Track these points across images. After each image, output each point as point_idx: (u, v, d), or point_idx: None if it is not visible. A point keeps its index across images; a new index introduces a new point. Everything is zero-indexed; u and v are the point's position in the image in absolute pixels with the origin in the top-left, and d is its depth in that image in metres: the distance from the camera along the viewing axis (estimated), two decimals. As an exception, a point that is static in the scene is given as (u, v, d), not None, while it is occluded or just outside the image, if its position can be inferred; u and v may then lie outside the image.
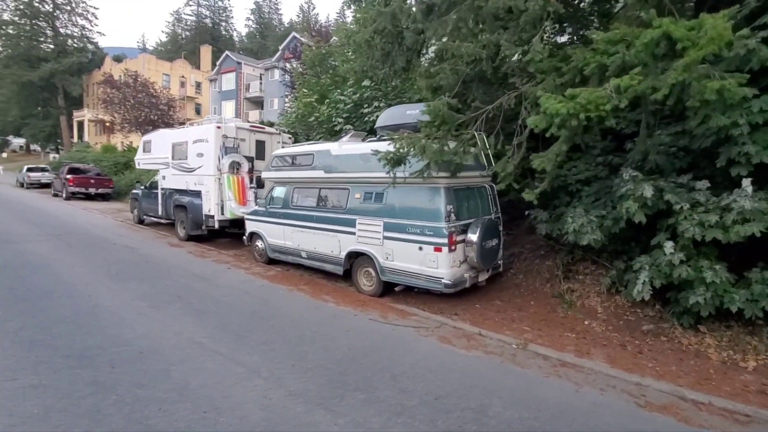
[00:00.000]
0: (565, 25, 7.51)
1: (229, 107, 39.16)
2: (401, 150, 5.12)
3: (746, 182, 3.93)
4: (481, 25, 4.76)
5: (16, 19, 43.42)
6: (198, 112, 44.55)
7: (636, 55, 3.53)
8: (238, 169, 9.54)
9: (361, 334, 4.95)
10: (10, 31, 43.41)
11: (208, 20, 68.08)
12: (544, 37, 7.73)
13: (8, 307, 5.11)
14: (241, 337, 4.68)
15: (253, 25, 71.77)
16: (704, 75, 3.14)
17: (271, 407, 3.27)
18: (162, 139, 11.61)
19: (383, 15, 5.35)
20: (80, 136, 45.33)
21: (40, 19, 44.04)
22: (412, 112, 6.34)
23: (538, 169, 4.49)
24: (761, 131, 3.77)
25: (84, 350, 4.09)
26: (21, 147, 58.99)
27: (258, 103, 38.07)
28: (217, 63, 41.75)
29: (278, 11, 74.32)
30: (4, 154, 53.83)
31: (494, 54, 5.35)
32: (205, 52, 48.92)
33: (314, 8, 56.86)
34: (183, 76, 45.87)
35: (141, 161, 12.84)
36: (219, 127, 9.55)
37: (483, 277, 6.26)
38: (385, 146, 5.57)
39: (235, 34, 72.67)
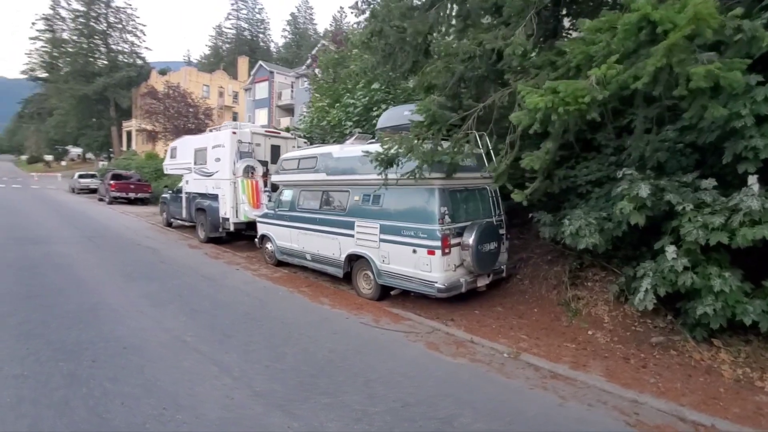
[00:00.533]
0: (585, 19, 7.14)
1: (262, 115, 40.42)
2: (390, 151, 5.03)
3: (752, 179, 3.49)
4: (466, 21, 4.57)
5: (75, 38, 47.30)
6: (235, 120, 46.29)
7: (620, 42, 3.27)
8: (252, 172, 9.76)
9: (347, 337, 4.87)
10: (70, 49, 47.30)
11: (246, 33, 70.96)
12: (561, 32, 7.40)
13: (18, 303, 5.44)
14: (227, 336, 4.73)
15: (289, 36, 73.97)
16: (689, 59, 2.83)
17: (231, 407, 3.25)
18: (186, 145, 12.12)
19: (363, 12, 5.28)
20: (129, 145, 48.35)
21: (95, 37, 47.60)
22: (408, 113, 6.23)
23: (527, 168, 4.25)
24: (771, 122, 3.36)
25: (75, 345, 4.27)
26: (78, 156, 63.73)
27: (289, 110, 39.01)
28: (251, 73, 43.29)
29: (313, 21, 76.23)
30: (63, 162, 58.39)
31: (490, 51, 5.16)
32: (242, 62, 50.89)
33: (346, 16, 57.73)
34: (221, 87, 47.97)
35: (168, 166, 13.48)
36: (234, 133, 9.85)
37: (483, 282, 6.00)
38: (376, 147, 5.49)
39: (272, 45, 75.32)
